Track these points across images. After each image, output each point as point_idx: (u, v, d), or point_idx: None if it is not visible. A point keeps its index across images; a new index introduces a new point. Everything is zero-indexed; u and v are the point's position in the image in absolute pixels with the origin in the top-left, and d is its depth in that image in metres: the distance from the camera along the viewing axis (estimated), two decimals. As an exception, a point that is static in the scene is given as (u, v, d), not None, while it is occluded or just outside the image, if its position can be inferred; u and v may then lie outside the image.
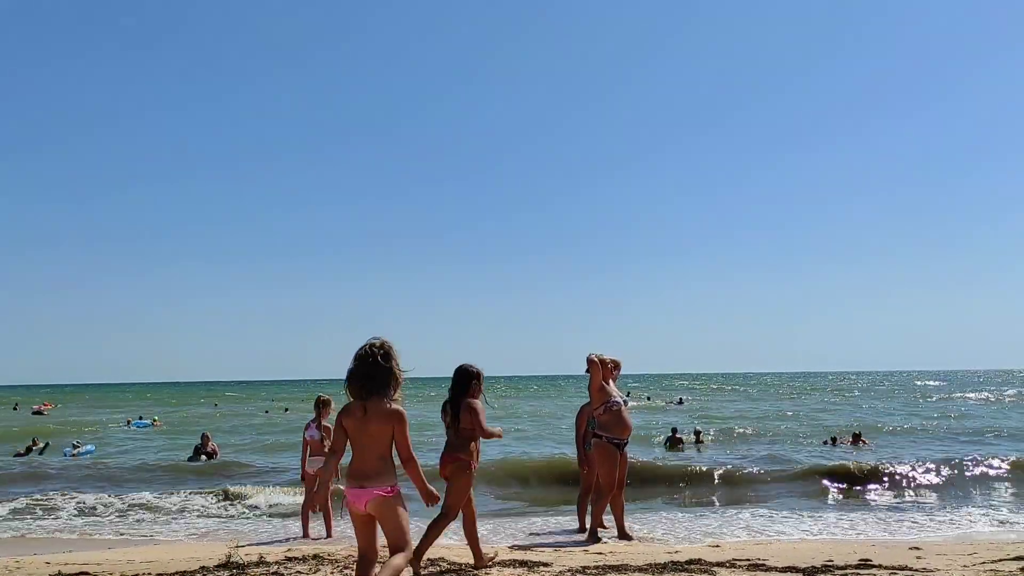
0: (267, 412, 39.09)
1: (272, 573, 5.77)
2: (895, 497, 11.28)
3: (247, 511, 10.50)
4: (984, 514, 9.80)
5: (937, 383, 75.62)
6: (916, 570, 5.64)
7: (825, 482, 12.09)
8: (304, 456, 8.47)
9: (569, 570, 5.79)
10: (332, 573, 5.79)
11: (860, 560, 6.04)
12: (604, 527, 7.84)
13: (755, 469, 12.85)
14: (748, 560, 6.10)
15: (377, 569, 3.81)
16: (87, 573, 6.02)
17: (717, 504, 11.00)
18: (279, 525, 9.74)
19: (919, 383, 75.72)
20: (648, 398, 46.73)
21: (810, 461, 14.94)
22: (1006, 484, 12.07)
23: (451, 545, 7.44)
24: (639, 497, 11.22)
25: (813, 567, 5.74)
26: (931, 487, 11.80)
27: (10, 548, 7.95)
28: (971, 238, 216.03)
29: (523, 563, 6.10)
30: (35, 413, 39.94)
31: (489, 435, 5.66)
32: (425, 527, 5.64)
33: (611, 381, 7.62)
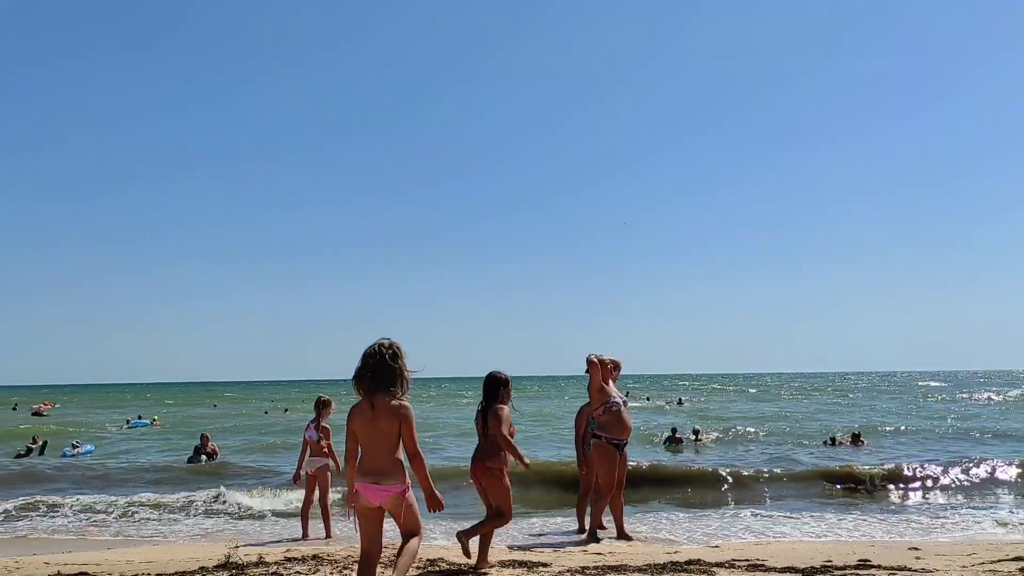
0: (267, 412, 39.08)
1: (271, 573, 5.77)
2: (894, 498, 11.28)
3: (246, 512, 10.49)
4: (984, 515, 9.80)
5: (938, 384, 75.57)
6: (915, 570, 5.64)
7: (825, 483, 12.08)
8: (302, 457, 8.47)
9: (568, 570, 5.79)
10: (331, 573, 5.79)
11: (859, 560, 6.04)
12: (603, 527, 7.83)
13: (755, 470, 12.84)
14: (747, 560, 6.10)
15: (380, 569, 3.85)
16: (86, 573, 6.02)
17: (716, 505, 10.99)
18: (278, 526, 9.74)
19: (921, 384, 75.68)
20: (648, 399, 46.71)
21: (810, 462, 14.94)
22: (1006, 485, 12.06)
23: (450, 546, 7.45)
24: (638, 498, 11.21)
25: (812, 567, 5.74)
26: (931, 488, 11.80)
27: (9, 548, 7.95)
28: (971, 238, 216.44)
29: (522, 563, 6.10)
30: (35, 414, 39.90)
31: (507, 446, 5.67)
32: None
33: (611, 382, 7.62)
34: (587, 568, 5.83)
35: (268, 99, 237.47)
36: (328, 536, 8.33)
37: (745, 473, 12.54)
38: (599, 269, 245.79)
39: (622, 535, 7.77)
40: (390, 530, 4.18)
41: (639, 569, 5.74)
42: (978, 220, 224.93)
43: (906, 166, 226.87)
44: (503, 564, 6.07)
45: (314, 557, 6.38)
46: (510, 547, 7.51)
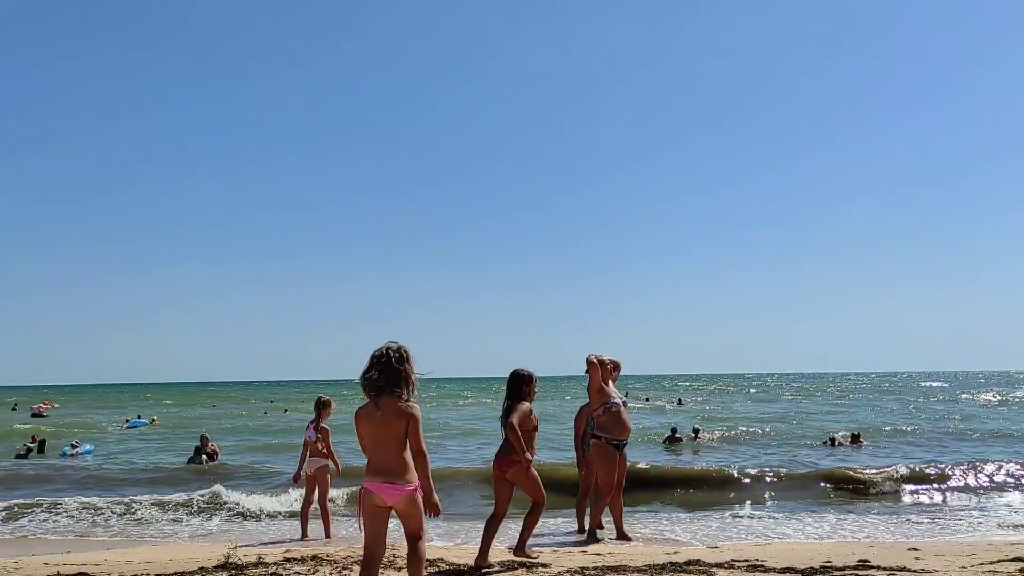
0: (266, 413, 39.06)
1: (270, 574, 5.77)
2: (894, 498, 11.27)
3: (245, 512, 10.48)
4: (984, 516, 9.80)
5: (939, 384, 75.60)
6: (914, 571, 5.63)
7: (825, 483, 12.06)
8: (303, 457, 8.47)
9: (568, 571, 5.79)
10: (331, 574, 5.78)
11: (858, 561, 6.04)
12: (603, 528, 7.83)
13: (754, 470, 12.83)
14: (747, 561, 6.09)
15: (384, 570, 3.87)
16: (85, 574, 6.02)
17: (716, 505, 10.99)
18: (277, 526, 9.74)
19: (923, 384, 75.70)
20: (647, 399, 46.71)
21: (810, 462, 14.95)
22: (1006, 486, 12.05)
23: (450, 546, 7.45)
24: (638, 499, 11.21)
25: (812, 568, 5.74)
26: (931, 488, 11.78)
27: (9, 549, 7.96)
28: (971, 238, 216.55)
29: (522, 564, 6.10)
30: (35, 415, 39.90)
31: (513, 437, 5.81)
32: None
33: (611, 382, 7.62)
34: (586, 568, 5.83)
35: (268, 99, 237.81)
36: (327, 536, 8.32)
37: (745, 474, 12.54)
38: (599, 269, 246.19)
39: (621, 535, 7.77)
40: (392, 530, 4.18)
41: (638, 569, 5.74)
42: (978, 220, 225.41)
43: (906, 166, 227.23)
44: (502, 565, 6.07)
45: (313, 557, 6.38)
46: (510, 547, 7.51)
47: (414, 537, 3.95)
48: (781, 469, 13.13)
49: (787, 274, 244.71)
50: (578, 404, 7.94)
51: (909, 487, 11.80)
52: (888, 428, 23.05)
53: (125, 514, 10.37)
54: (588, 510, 7.94)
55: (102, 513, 10.39)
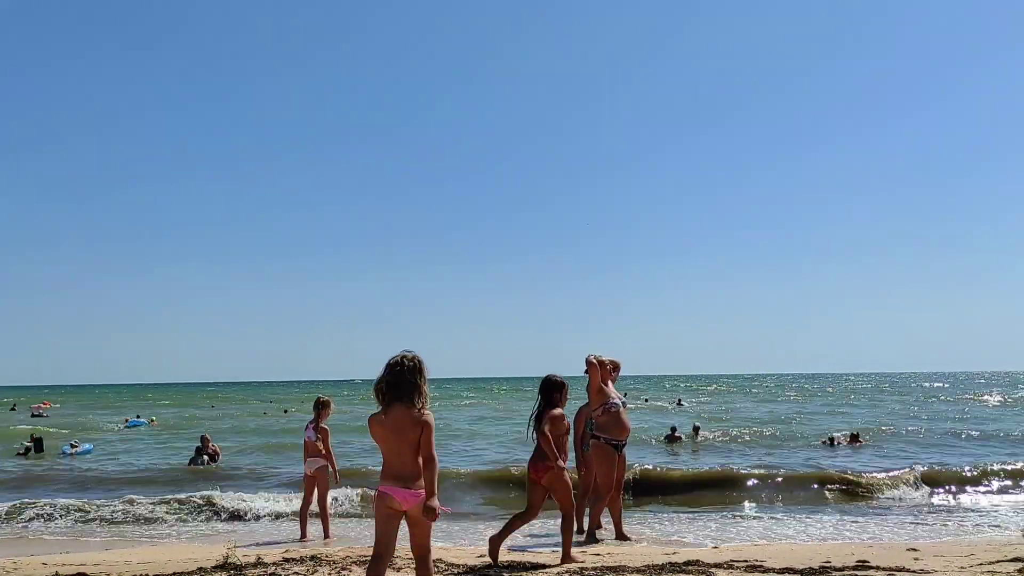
0: (265, 413, 39.04)
1: (269, 574, 5.76)
2: (893, 499, 11.26)
3: (245, 512, 10.48)
4: (983, 516, 9.80)
5: (939, 384, 75.64)
6: (913, 571, 5.63)
7: (824, 484, 12.04)
8: (306, 457, 8.47)
9: (567, 571, 5.79)
10: (330, 574, 5.78)
11: (857, 561, 6.04)
12: (602, 528, 7.83)
13: (754, 471, 12.84)
14: (746, 561, 6.09)
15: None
16: (84, 574, 6.02)
17: (716, 506, 10.99)
18: (277, 526, 9.74)
19: (924, 385, 75.68)
20: (646, 399, 46.70)
21: (809, 463, 14.95)
22: (1006, 487, 12.05)
23: (449, 547, 7.45)
24: (638, 500, 11.21)
25: (811, 568, 5.74)
26: (930, 489, 11.78)
27: (8, 549, 7.95)
28: (971, 238, 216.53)
29: (521, 564, 6.10)
30: (34, 415, 39.91)
31: (545, 443, 5.94)
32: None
33: (610, 383, 7.62)
34: (586, 569, 5.83)
35: (268, 99, 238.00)
36: (327, 537, 8.32)
37: (744, 474, 12.54)
38: (599, 269, 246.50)
39: (621, 536, 7.77)
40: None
41: (637, 570, 5.73)
42: (978, 220, 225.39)
43: (906, 166, 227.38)
44: (502, 565, 6.07)
45: (312, 558, 6.38)
46: (509, 548, 7.51)
47: (422, 552, 3.99)
48: (781, 470, 13.14)
49: (787, 274, 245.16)
50: (577, 404, 7.95)
51: (908, 487, 11.80)
52: (888, 429, 23.04)
53: (124, 514, 10.37)
54: (587, 510, 7.94)
55: (101, 513, 10.38)
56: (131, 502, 10.89)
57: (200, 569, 5.96)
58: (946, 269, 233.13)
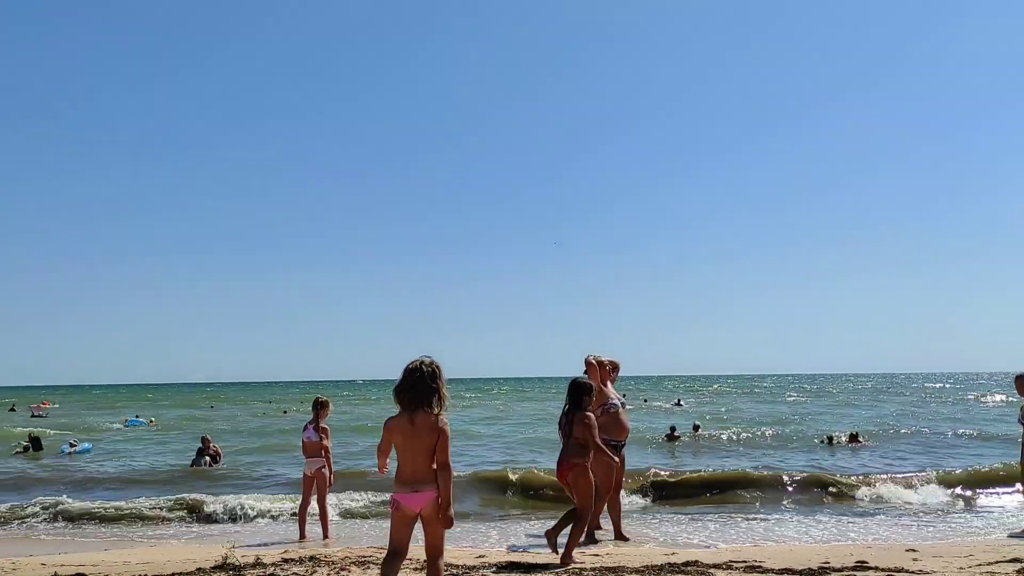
0: (264, 414, 39.02)
1: (268, 575, 5.76)
2: (892, 500, 11.24)
3: (243, 513, 10.47)
4: (982, 517, 9.80)
5: (940, 385, 75.62)
6: (912, 572, 5.64)
7: (823, 485, 12.02)
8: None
9: (566, 571, 5.79)
10: (329, 575, 5.78)
11: (856, 562, 6.04)
12: (601, 528, 7.83)
13: (754, 472, 12.84)
14: (745, 562, 6.09)
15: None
16: (83, 574, 6.01)
17: (715, 507, 10.99)
18: (275, 527, 9.73)
19: (926, 385, 75.62)
20: (645, 400, 46.70)
21: (809, 463, 14.94)
22: (1005, 487, 12.04)
23: (449, 547, 7.43)
24: (637, 500, 11.20)
25: (809, 569, 5.74)
26: (930, 490, 11.75)
27: (6, 549, 7.94)
28: (972, 238, 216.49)
29: (521, 565, 6.10)
30: (34, 416, 39.90)
31: (600, 452, 6.15)
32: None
33: (609, 383, 7.62)
34: (585, 569, 5.84)
35: (268, 99, 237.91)
36: (326, 537, 8.32)
37: (743, 476, 12.54)
38: (599, 269, 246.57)
39: (620, 536, 7.77)
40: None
41: (636, 570, 5.73)
42: (980, 220, 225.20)
43: (908, 165, 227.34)
44: (500, 566, 6.07)
45: (311, 558, 6.38)
46: (509, 548, 7.51)
47: (434, 552, 4.05)
48: (781, 470, 13.13)
49: (788, 274, 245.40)
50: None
51: (908, 488, 11.77)
52: (889, 429, 23.04)
53: (123, 515, 10.36)
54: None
55: (100, 514, 10.38)
56: (130, 503, 10.89)
57: (199, 570, 5.96)
58: (946, 269, 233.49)
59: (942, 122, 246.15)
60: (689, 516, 10.06)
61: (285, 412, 39.16)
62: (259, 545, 7.87)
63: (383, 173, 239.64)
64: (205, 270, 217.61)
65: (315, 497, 8.44)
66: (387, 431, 4.08)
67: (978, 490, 11.65)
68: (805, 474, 12.65)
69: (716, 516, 9.98)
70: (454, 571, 5.82)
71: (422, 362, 4.06)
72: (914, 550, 6.82)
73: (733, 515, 10.03)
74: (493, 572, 5.87)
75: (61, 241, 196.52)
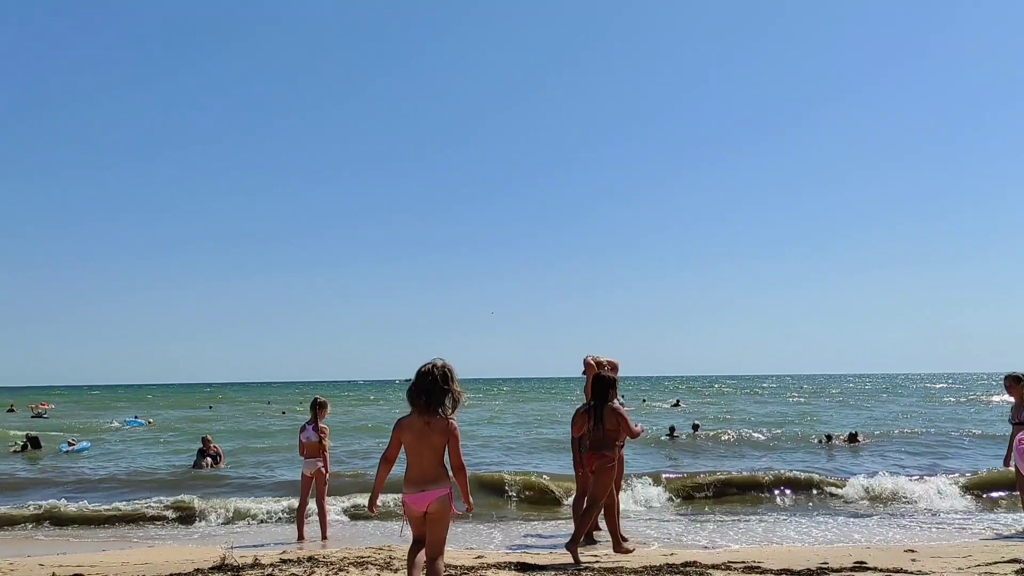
0: (262, 414, 38.99)
1: (266, 575, 5.75)
2: (891, 500, 11.25)
3: (242, 513, 10.46)
4: (981, 517, 9.81)
5: (942, 385, 75.67)
6: (910, 572, 5.64)
7: (822, 486, 12.03)
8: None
9: (565, 572, 5.78)
10: (327, 575, 5.77)
11: (855, 562, 6.03)
12: (600, 529, 7.82)
13: (753, 473, 12.84)
14: (743, 563, 6.08)
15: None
16: (81, 575, 6.00)
17: (714, 508, 11.00)
18: (274, 528, 9.72)
19: (928, 386, 75.64)
20: (644, 400, 46.71)
21: (808, 464, 14.94)
22: (1005, 488, 12.04)
23: (448, 548, 7.43)
24: (637, 501, 11.19)
25: (808, 569, 5.74)
26: (929, 490, 11.75)
27: (5, 550, 7.94)
28: (974, 238, 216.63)
29: (519, 565, 6.09)
30: (34, 416, 39.85)
31: (636, 434, 6.45)
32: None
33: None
34: (583, 570, 5.83)
35: (268, 99, 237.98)
36: (324, 538, 8.32)
37: (742, 476, 12.54)
38: (600, 270, 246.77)
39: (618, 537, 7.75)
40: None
41: (635, 571, 5.73)
42: (981, 220, 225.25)
43: (910, 165, 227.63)
44: (499, 566, 6.06)
45: (310, 559, 6.37)
46: (508, 549, 7.51)
47: (433, 553, 4.10)
48: (780, 471, 13.12)
49: (788, 275, 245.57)
50: (576, 405, 7.94)
51: (907, 489, 11.78)
52: (888, 429, 23.03)
53: (121, 515, 10.35)
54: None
55: (98, 514, 10.37)
56: (128, 503, 10.88)
57: (197, 570, 5.95)
58: (947, 270, 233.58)
59: (942, 122, 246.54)
60: (688, 516, 10.06)
61: (283, 413, 39.14)
62: (257, 546, 7.86)
63: (382, 173, 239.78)
64: (204, 270, 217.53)
65: (314, 498, 8.44)
66: (397, 430, 4.14)
67: (978, 490, 11.66)
68: (804, 475, 12.65)
69: (715, 516, 9.98)
70: (453, 571, 5.81)
71: (434, 365, 4.15)
72: (913, 551, 6.82)
73: (732, 515, 10.03)
74: (492, 572, 5.86)
75: (60, 241, 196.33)
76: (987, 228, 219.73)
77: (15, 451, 19.27)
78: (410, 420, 4.12)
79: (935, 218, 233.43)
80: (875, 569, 5.76)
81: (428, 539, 4.12)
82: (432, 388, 4.09)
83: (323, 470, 8.35)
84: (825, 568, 5.79)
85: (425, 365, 4.15)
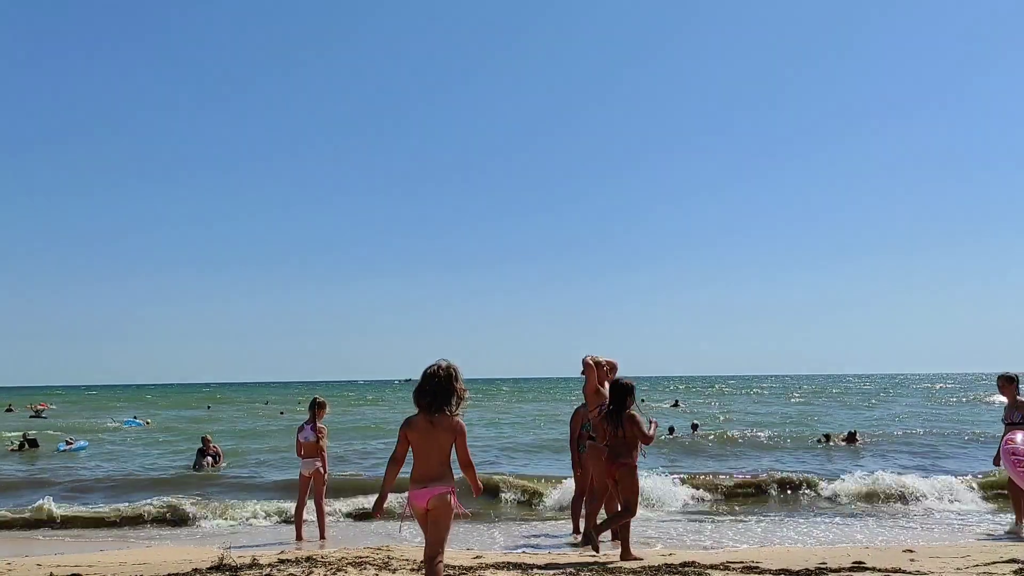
0: (261, 414, 38.96)
1: (265, 575, 5.74)
2: (890, 500, 11.25)
3: (241, 514, 10.45)
4: (980, 517, 9.80)
5: (943, 386, 75.68)
6: (909, 572, 5.63)
7: (820, 486, 12.02)
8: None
9: (564, 572, 5.78)
10: (325, 575, 5.77)
11: (854, 562, 6.03)
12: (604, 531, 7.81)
13: (751, 473, 12.84)
14: (742, 563, 6.08)
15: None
16: (79, 575, 5.99)
17: (713, 508, 10.99)
18: (272, 528, 9.72)
19: (929, 386, 75.62)
20: (642, 400, 46.62)
21: (807, 464, 14.95)
22: (1003, 488, 12.04)
23: (448, 549, 7.43)
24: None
25: (807, 569, 5.74)
26: (928, 490, 11.75)
27: (3, 550, 7.93)
28: (975, 238, 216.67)
29: (518, 565, 6.09)
30: (33, 416, 39.81)
31: (650, 440, 6.47)
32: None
33: (607, 384, 7.59)
34: (582, 570, 5.83)
35: (268, 99, 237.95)
36: (322, 538, 8.31)
37: (741, 477, 12.54)
38: (600, 270, 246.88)
39: (617, 537, 7.74)
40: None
41: (634, 571, 5.73)
42: (983, 220, 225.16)
43: (911, 166, 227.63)
44: (498, 566, 6.06)
45: (308, 559, 6.36)
46: (507, 549, 7.50)
47: (432, 552, 4.12)
48: (779, 471, 13.13)
49: (788, 275, 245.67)
50: (575, 406, 7.95)
51: (906, 489, 11.78)
52: (888, 429, 23.04)
53: (120, 516, 10.34)
54: (583, 511, 7.92)
55: (97, 515, 10.36)
56: (127, 504, 10.87)
57: (195, 570, 5.94)
58: (947, 270, 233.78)
59: (943, 121, 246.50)
60: (687, 517, 10.06)
61: (282, 413, 39.12)
62: (255, 546, 7.85)
63: (382, 174, 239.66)
64: (203, 270, 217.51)
65: (312, 498, 8.43)
66: (404, 430, 4.19)
67: (977, 491, 11.65)
68: (803, 475, 12.65)
69: (714, 517, 9.97)
70: (452, 572, 5.81)
71: (439, 366, 4.20)
72: (911, 551, 6.82)
73: (731, 516, 10.03)
74: (491, 572, 5.86)
75: (59, 241, 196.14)
76: (988, 228, 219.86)
77: (13, 451, 19.27)
78: (416, 419, 4.19)
79: (935, 218, 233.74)
80: (873, 569, 5.76)
81: (428, 538, 4.15)
82: (437, 389, 4.15)
83: (321, 470, 8.35)
84: (824, 568, 5.79)
85: (431, 367, 4.21)
